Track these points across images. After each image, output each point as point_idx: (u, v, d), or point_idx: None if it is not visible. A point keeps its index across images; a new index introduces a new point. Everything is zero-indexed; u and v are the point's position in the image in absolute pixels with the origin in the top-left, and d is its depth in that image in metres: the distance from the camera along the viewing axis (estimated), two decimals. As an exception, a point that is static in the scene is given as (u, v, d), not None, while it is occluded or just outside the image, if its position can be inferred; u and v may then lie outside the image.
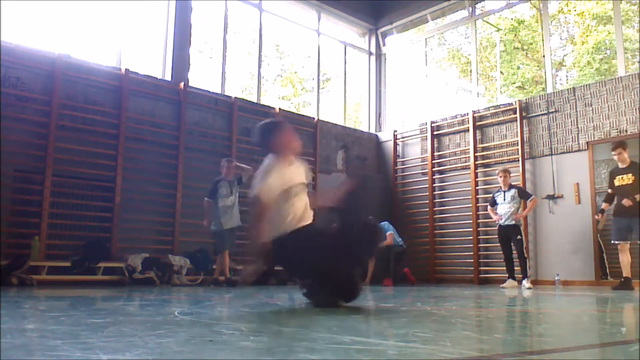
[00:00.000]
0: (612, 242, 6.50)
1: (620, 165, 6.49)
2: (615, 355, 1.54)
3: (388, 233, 8.52)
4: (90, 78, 7.20)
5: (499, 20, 14.43)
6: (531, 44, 15.38)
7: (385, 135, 11.01)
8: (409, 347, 1.57)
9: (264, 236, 3.09)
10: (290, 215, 3.13)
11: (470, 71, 10.90)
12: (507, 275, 7.35)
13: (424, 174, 10.18)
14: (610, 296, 4.98)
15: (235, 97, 8.79)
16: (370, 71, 11.54)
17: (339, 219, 3.16)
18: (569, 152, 8.33)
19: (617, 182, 6.46)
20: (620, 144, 6.53)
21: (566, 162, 8.34)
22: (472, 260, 9.10)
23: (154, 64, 8.29)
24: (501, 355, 1.48)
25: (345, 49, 11.24)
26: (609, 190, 6.62)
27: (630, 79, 7.86)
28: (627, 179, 6.35)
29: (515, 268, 7.25)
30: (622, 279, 6.32)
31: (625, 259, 6.32)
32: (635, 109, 7.73)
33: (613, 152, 6.53)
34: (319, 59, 10.73)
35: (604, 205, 6.71)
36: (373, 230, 3.33)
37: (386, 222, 8.70)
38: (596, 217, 6.92)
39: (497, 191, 7.56)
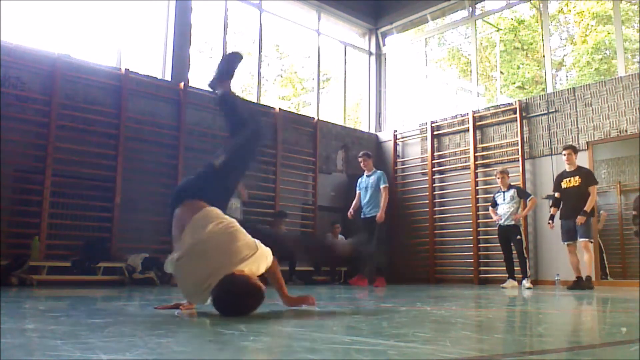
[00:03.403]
0: (562, 242, 6.76)
1: (568, 169, 6.73)
2: (615, 355, 1.54)
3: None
4: (90, 78, 7.20)
5: (499, 20, 14.42)
6: (531, 44, 15.37)
7: (385, 135, 11.00)
8: (409, 347, 1.57)
9: None
10: None
11: (470, 71, 10.90)
12: (507, 275, 7.35)
13: (424, 174, 10.18)
14: (610, 296, 4.98)
15: (235, 97, 8.78)
16: (370, 71, 11.54)
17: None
18: (569, 152, 8.32)
19: (564, 185, 6.70)
20: (572, 146, 6.83)
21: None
22: (472, 260, 9.09)
23: (154, 64, 8.29)
24: (501, 355, 1.48)
25: (345, 49, 11.24)
26: (556, 195, 6.83)
27: (630, 79, 7.85)
28: (573, 181, 6.60)
29: (515, 268, 7.25)
30: (576, 278, 6.53)
31: (574, 259, 6.57)
32: (635, 109, 7.73)
33: (564, 152, 6.81)
34: (319, 59, 10.73)
35: (552, 210, 6.89)
36: None
37: None
38: (549, 224, 6.98)
39: (498, 192, 7.59)
